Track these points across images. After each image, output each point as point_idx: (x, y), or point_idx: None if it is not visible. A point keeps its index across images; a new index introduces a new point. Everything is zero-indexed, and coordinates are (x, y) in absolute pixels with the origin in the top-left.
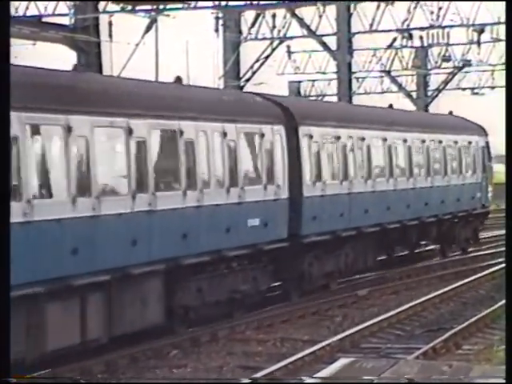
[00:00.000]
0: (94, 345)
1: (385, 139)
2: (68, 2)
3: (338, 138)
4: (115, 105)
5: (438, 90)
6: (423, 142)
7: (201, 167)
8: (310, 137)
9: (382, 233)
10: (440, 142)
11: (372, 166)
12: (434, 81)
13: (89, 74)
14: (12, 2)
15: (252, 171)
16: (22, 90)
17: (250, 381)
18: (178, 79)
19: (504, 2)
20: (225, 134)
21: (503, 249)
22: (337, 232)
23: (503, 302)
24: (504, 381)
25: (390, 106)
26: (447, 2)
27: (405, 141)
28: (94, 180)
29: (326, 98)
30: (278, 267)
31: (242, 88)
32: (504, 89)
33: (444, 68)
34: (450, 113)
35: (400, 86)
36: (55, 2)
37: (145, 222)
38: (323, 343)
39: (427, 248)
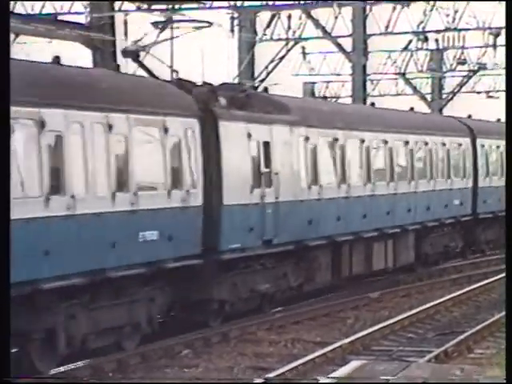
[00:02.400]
0: (388, 270)
1: None
2: (84, 2)
3: (498, 146)
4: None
5: (453, 93)
6: None
7: (435, 165)
8: (482, 146)
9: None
10: None
11: None
12: (449, 84)
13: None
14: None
15: (456, 167)
16: (305, 114)
17: (263, 381)
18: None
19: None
20: (444, 144)
21: None
22: (496, 212)
23: None
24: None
25: None
26: (463, 5)
27: None
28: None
29: (340, 100)
30: (464, 233)
31: (256, 88)
32: None
33: (459, 71)
34: None
35: (415, 89)
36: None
37: (413, 199)
38: (334, 345)
39: None
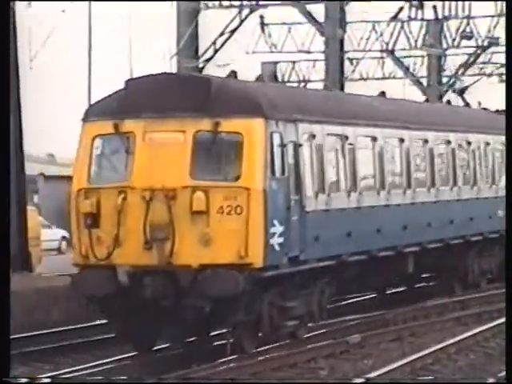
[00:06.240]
0: None
1: None
2: None
3: None
4: None
5: (456, 77)
6: None
7: None
8: None
9: None
10: None
11: None
12: (451, 64)
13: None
14: None
15: None
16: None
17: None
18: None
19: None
20: None
21: None
22: None
23: None
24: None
25: None
26: None
27: None
28: None
29: (310, 85)
30: None
31: (201, 70)
32: None
33: (464, 47)
34: None
35: (407, 70)
36: None
37: None
38: None
39: None
